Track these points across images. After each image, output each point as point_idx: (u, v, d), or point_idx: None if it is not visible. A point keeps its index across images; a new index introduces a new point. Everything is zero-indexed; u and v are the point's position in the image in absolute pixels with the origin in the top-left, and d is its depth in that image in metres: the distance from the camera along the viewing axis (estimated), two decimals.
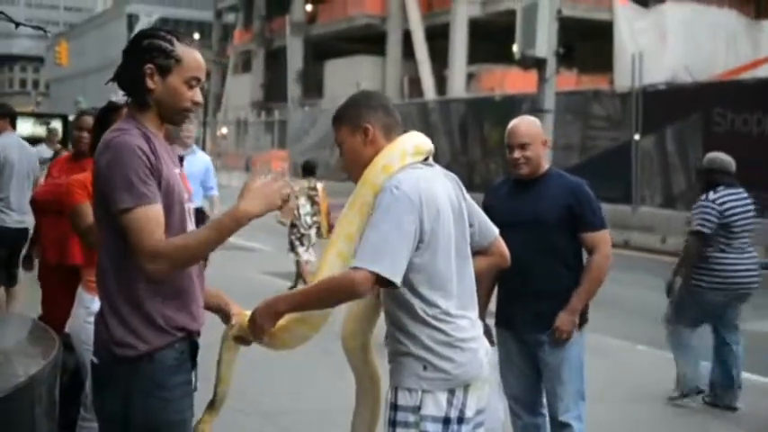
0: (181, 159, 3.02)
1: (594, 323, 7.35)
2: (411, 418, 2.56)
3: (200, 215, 6.82)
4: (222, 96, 57.69)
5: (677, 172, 18.37)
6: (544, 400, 4.09)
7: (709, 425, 5.68)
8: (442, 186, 2.63)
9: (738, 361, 5.89)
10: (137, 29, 44.03)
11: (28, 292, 5.14)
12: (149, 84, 2.49)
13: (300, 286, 8.95)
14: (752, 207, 5.88)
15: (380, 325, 2.76)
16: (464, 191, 2.76)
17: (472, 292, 2.70)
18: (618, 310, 9.02)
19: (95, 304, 3.26)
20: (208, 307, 2.72)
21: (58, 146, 12.48)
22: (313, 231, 9.61)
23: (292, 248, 9.71)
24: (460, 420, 2.58)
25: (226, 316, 2.79)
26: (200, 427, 2.71)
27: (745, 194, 5.89)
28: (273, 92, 50.78)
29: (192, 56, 2.53)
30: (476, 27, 36.08)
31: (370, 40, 43.27)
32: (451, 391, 2.57)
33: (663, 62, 25.47)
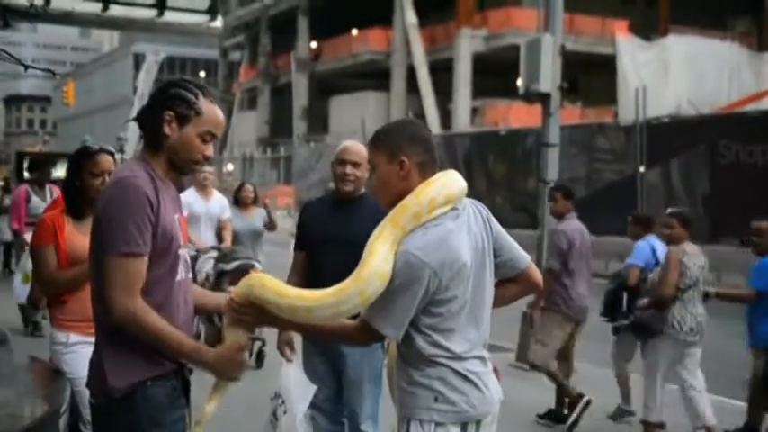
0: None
1: (594, 353, 7.33)
2: None
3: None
4: (228, 133, 57.99)
5: (683, 204, 18.33)
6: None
7: None
8: (466, 236, 2.59)
9: None
10: (143, 68, 44.37)
11: None
12: (166, 130, 2.55)
13: None
14: None
15: None
16: (492, 225, 2.72)
17: (485, 332, 2.68)
18: None
19: (71, 338, 3.54)
20: (209, 309, 2.89)
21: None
22: None
23: None
24: None
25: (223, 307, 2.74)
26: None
27: None
28: (279, 128, 51.07)
29: (212, 112, 2.61)
30: (479, 62, 36.31)
31: (374, 76, 43.57)
32: (464, 427, 2.56)
33: (666, 95, 25.58)
